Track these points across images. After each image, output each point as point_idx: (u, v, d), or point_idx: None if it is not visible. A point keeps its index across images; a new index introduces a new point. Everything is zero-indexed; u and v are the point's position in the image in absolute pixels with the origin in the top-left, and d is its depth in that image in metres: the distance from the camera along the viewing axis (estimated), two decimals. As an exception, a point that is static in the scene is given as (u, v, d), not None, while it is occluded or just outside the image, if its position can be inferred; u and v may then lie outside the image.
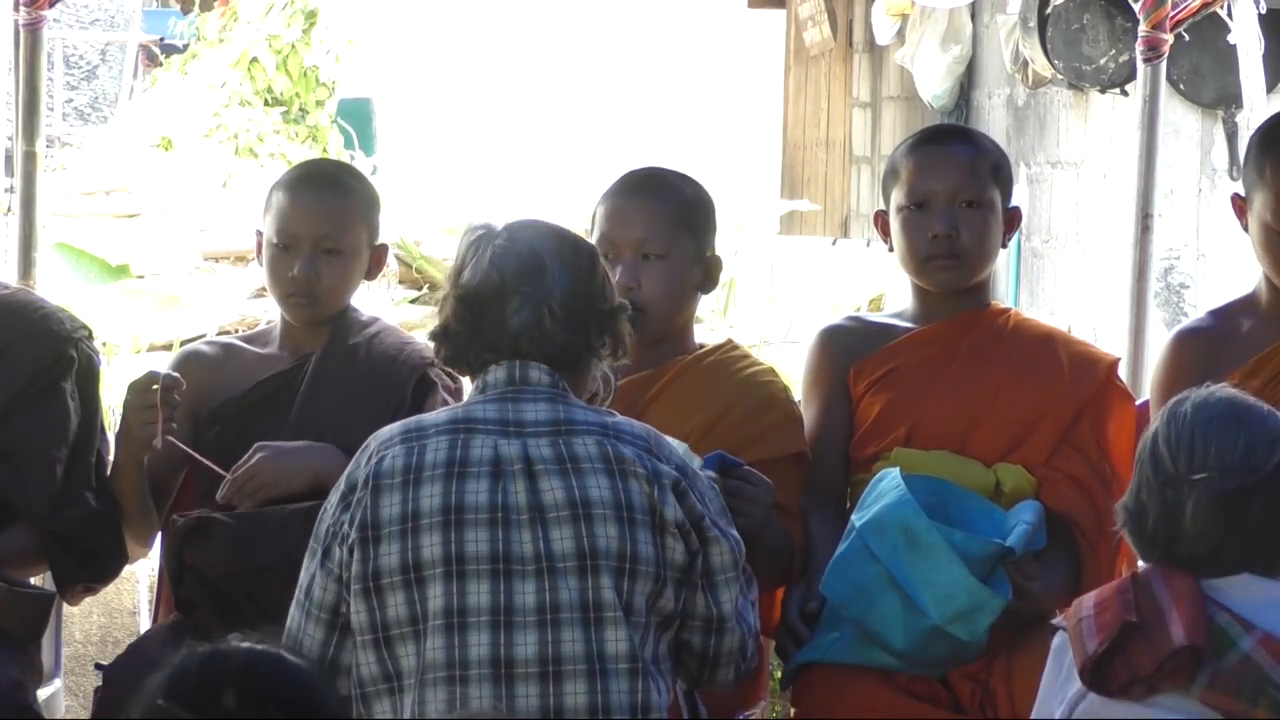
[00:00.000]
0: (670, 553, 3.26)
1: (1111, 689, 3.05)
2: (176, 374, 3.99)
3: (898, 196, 4.04)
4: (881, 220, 4.12)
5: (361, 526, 3.22)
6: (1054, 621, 3.22)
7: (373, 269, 4.23)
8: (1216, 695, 3.02)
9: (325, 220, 4.13)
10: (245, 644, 2.50)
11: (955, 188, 4.00)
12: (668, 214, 3.98)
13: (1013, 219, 4.09)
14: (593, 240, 4.00)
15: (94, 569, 4.07)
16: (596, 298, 3.36)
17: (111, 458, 4.08)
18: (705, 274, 4.03)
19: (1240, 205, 4.03)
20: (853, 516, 3.78)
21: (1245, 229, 4.03)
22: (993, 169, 4.04)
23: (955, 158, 4.03)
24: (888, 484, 3.75)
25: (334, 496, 3.29)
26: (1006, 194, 4.07)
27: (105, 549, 4.05)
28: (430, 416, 3.33)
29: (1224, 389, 3.18)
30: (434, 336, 3.38)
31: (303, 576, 3.30)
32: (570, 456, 3.25)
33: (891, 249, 4.10)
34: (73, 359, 4.08)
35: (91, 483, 4.04)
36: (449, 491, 3.21)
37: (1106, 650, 3.04)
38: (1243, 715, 3.01)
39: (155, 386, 3.91)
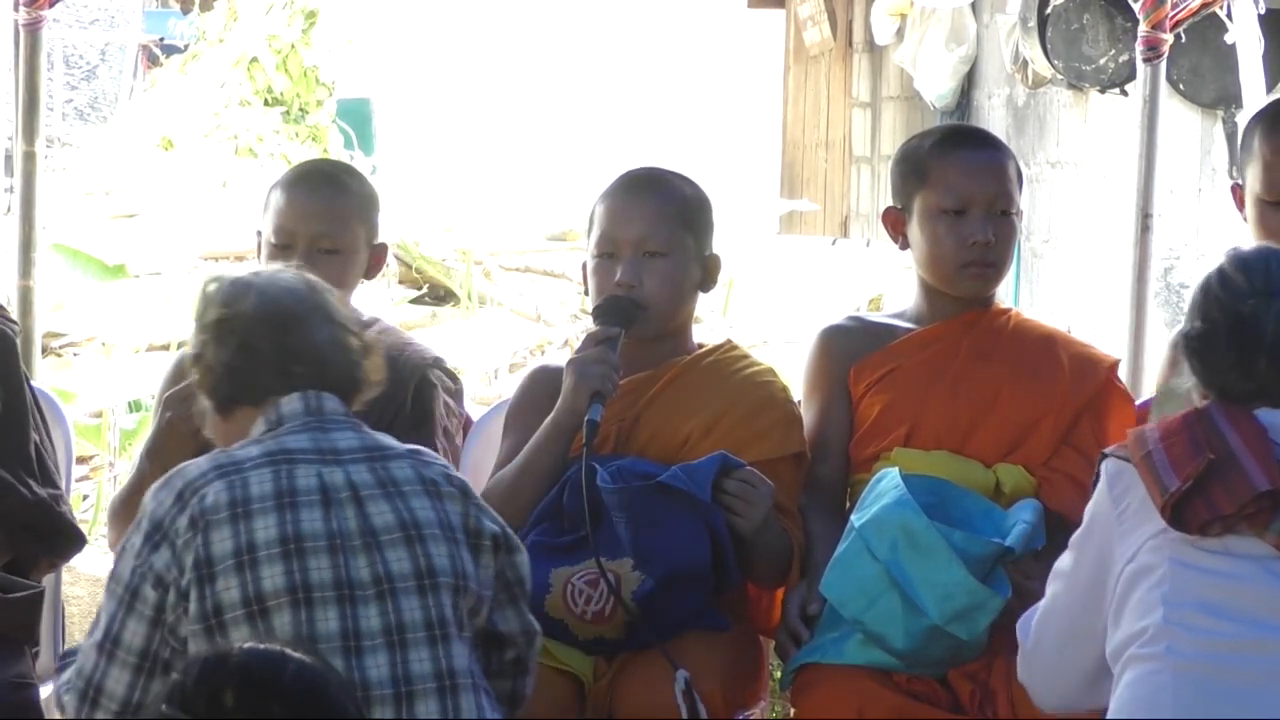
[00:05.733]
0: (485, 570, 3.31)
1: (1192, 527, 3.09)
2: None
3: (929, 199, 4.01)
4: (892, 218, 4.10)
5: (196, 565, 3.15)
6: (1108, 450, 3.25)
7: (371, 268, 4.23)
8: None
9: (322, 219, 4.14)
10: (245, 645, 2.51)
11: (994, 195, 4.00)
12: (668, 212, 3.98)
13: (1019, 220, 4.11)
14: (592, 238, 4.00)
15: (53, 548, 4.05)
16: (357, 332, 3.39)
17: (138, 468, 4.03)
18: (705, 273, 4.03)
19: (1240, 195, 4.05)
20: (852, 516, 3.78)
21: (1245, 220, 4.04)
22: (1016, 175, 4.06)
23: (991, 165, 4.02)
24: (887, 484, 3.75)
25: (134, 537, 3.21)
26: (1021, 197, 4.09)
27: (57, 530, 4.03)
28: (241, 451, 3.28)
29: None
30: (226, 366, 3.30)
31: (103, 618, 3.20)
32: (391, 480, 3.27)
33: (903, 247, 4.09)
34: None
35: (31, 467, 4.00)
36: (284, 522, 3.19)
37: (1190, 488, 3.07)
38: None
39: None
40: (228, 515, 3.18)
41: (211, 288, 3.35)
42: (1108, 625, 3.20)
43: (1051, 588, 3.33)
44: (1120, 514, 3.19)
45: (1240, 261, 3.22)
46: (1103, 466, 3.25)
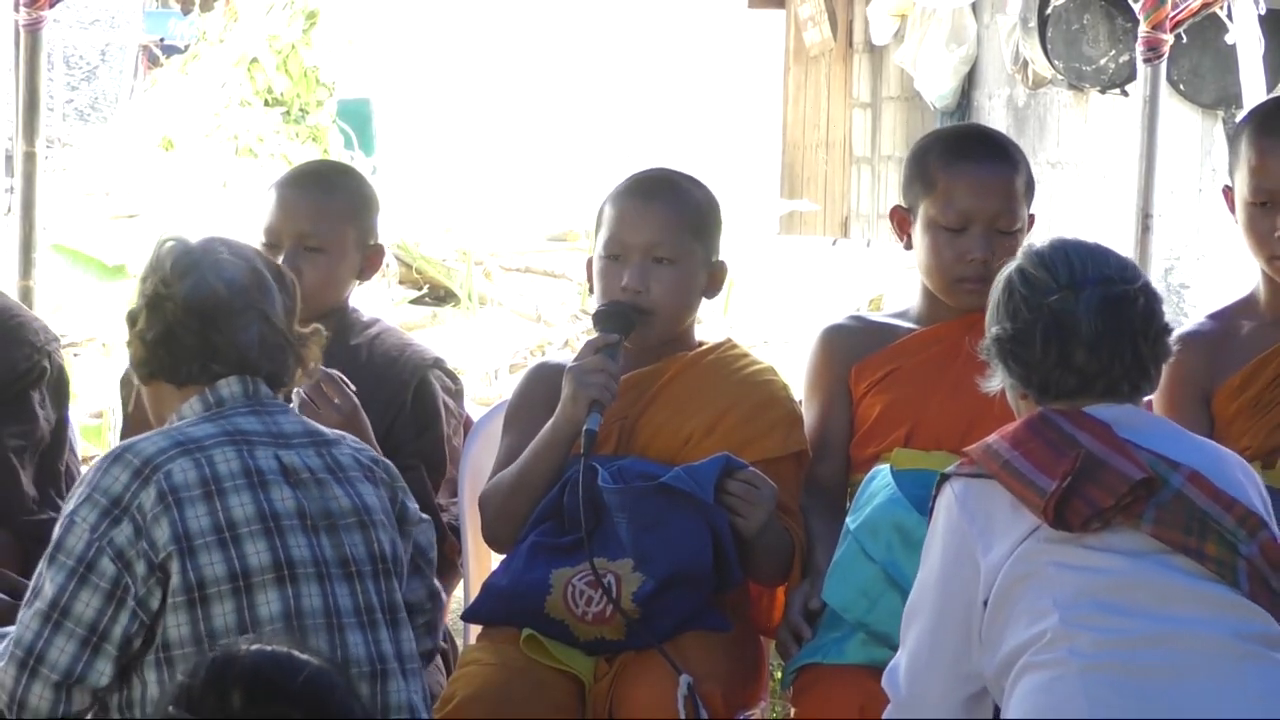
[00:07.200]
0: (407, 552, 3.39)
1: (1074, 525, 3.08)
2: None
3: (931, 209, 3.98)
4: (899, 217, 4.08)
5: (176, 539, 3.15)
6: (948, 471, 3.23)
7: (366, 269, 4.24)
8: (1166, 530, 3.08)
9: (307, 218, 4.16)
10: (253, 645, 2.51)
11: (996, 213, 3.96)
12: (680, 219, 3.95)
13: (1030, 226, 4.08)
14: (600, 239, 3.98)
15: None
16: (296, 319, 3.40)
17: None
18: (710, 279, 4.02)
19: (1230, 197, 4.05)
20: (846, 520, 3.78)
21: (1237, 222, 4.04)
22: (1026, 187, 4.02)
23: (997, 181, 3.98)
24: (878, 484, 3.75)
25: (85, 510, 3.17)
26: (1031, 205, 4.06)
27: None
28: (194, 430, 3.26)
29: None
30: (151, 344, 3.31)
31: (48, 588, 3.17)
32: (338, 465, 3.32)
33: (908, 246, 4.07)
34: (45, 369, 4.11)
35: (62, 490, 4.07)
36: (259, 500, 3.21)
37: (1068, 487, 3.07)
38: (1195, 549, 3.06)
39: None
40: (201, 493, 3.19)
41: (166, 247, 3.36)
42: (984, 643, 3.15)
43: (912, 631, 3.25)
44: (980, 531, 3.16)
45: (1038, 258, 3.23)
46: (945, 489, 3.21)
